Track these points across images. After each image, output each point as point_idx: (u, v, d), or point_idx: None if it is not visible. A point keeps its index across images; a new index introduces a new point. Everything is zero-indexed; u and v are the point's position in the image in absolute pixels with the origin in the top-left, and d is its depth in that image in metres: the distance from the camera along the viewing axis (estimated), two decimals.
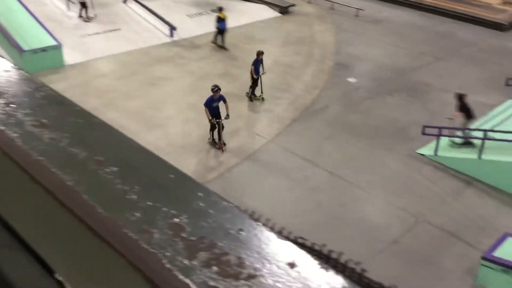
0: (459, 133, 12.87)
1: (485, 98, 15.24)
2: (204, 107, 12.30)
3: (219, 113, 12.36)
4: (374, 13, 22.73)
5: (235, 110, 14.57)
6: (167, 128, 13.61)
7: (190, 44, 18.92)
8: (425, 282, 9.17)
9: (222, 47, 18.51)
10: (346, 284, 0.57)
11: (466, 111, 12.57)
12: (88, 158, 0.79)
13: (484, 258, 9.00)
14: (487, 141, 11.88)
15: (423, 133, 12.81)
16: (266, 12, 22.14)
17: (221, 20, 18.18)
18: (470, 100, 15.50)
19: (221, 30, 18.28)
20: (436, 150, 12.55)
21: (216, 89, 12.23)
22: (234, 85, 15.97)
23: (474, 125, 13.48)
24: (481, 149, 11.87)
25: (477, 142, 12.03)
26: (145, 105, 14.62)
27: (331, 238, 10.14)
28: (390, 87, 16.33)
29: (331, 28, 20.97)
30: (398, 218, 10.77)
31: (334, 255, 8.18)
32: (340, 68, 17.43)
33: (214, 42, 18.58)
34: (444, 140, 12.63)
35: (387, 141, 13.51)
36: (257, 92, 15.01)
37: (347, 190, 11.61)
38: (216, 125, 12.34)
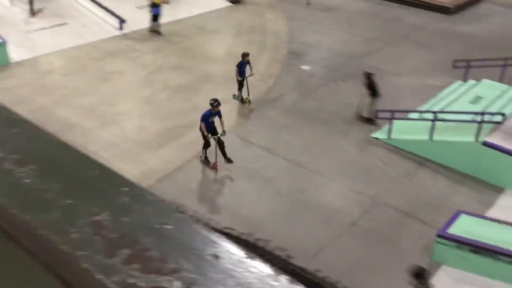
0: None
1: (434, 81, 15.70)
2: (200, 122, 11.22)
3: (215, 128, 11.44)
4: (324, 1, 22.92)
5: (191, 103, 14.44)
6: (122, 124, 13.34)
7: (141, 36, 18.56)
8: (384, 262, 9.40)
9: (157, 32, 18.37)
10: (271, 272, 0.55)
11: (373, 89, 13.46)
12: (3, 158, 0.74)
13: (439, 236, 9.31)
14: (437, 122, 12.23)
15: (376, 117, 13.07)
16: (217, 2, 21.96)
17: (155, 5, 18.13)
18: (420, 83, 15.93)
19: (155, 15, 18.22)
20: (389, 133, 12.84)
21: (216, 103, 11.13)
22: (189, 77, 15.81)
23: (424, 106, 13.88)
24: (432, 131, 12.22)
25: (427, 123, 12.36)
26: (97, 101, 14.27)
27: (292, 225, 10.26)
28: (343, 73, 16.56)
29: (283, 17, 21.02)
30: (356, 201, 10.98)
31: (261, 243, 8.28)
32: (294, 57, 17.52)
33: (151, 29, 18.44)
34: (398, 123, 12.94)
35: (343, 126, 13.72)
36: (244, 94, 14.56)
37: (306, 177, 11.74)
38: (214, 142, 11.29)
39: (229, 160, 11.49)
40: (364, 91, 13.64)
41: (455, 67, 14.96)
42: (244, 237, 8.28)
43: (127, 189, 0.68)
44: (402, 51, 18.16)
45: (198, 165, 11.96)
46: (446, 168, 12.04)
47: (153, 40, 18.32)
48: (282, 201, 10.92)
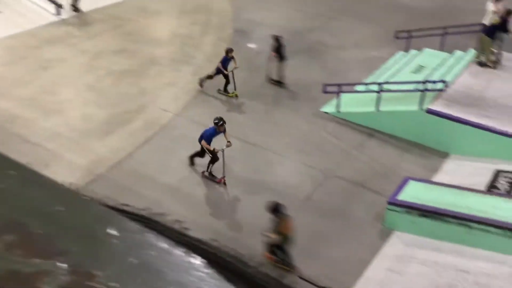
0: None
1: (378, 52, 15.98)
2: (201, 139, 10.32)
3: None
4: None
5: (137, 87, 14.10)
6: (66, 113, 12.89)
7: (81, 21, 17.89)
8: (339, 232, 9.61)
9: (75, 9, 18.08)
10: (165, 245, 0.52)
11: (280, 53, 14.12)
12: None
13: (389, 203, 9.58)
14: (383, 93, 12.48)
15: (324, 91, 13.22)
16: None
17: None
18: (364, 55, 16.16)
19: None
20: (337, 106, 13.02)
21: (221, 122, 10.19)
22: (133, 61, 15.41)
23: (370, 78, 14.14)
24: (378, 102, 12.48)
25: (373, 95, 12.60)
26: (39, 91, 13.70)
27: (248, 204, 10.29)
28: (289, 49, 16.56)
29: None
30: (309, 176, 11.13)
31: (158, 218, 8.34)
32: (240, 35, 17.37)
33: (72, 4, 18.13)
34: (345, 96, 13.14)
35: (293, 102, 13.80)
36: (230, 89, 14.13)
37: (260, 156, 11.77)
38: (220, 156, 10.45)
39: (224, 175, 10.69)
40: (272, 54, 14.17)
41: (397, 38, 15.26)
42: (144, 213, 8.29)
43: (14, 172, 0.62)
44: (346, 25, 18.34)
45: (148, 151, 11.75)
46: (393, 137, 12.36)
47: (92, 25, 17.69)
48: (237, 181, 10.92)
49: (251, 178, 11.01)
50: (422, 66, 14.28)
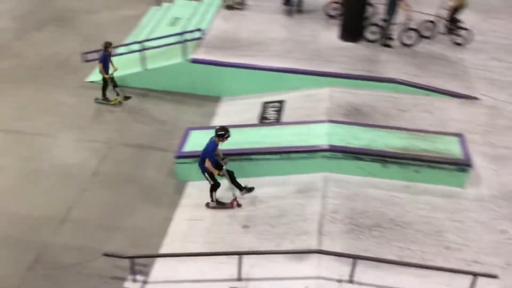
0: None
1: (131, 11, 15.64)
2: (205, 161, 8.53)
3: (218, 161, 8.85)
4: None
5: None
6: None
7: None
8: (136, 198, 9.48)
9: None
10: None
11: None
12: None
13: (177, 157, 9.75)
14: (146, 51, 12.36)
15: (86, 60, 12.51)
16: None
17: None
18: (118, 16, 15.66)
19: None
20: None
21: (227, 134, 8.49)
22: None
23: (129, 39, 13.81)
24: (143, 61, 12.33)
25: (137, 55, 12.39)
26: None
27: (30, 197, 9.39)
28: (36, 21, 15.12)
29: None
30: (92, 150, 10.60)
31: None
32: None
33: None
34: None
35: (54, 78, 12.76)
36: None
37: (30, 143, 10.70)
38: (225, 175, 8.80)
39: (249, 189, 9.20)
40: None
41: None
42: None
43: None
44: None
45: None
46: (168, 93, 12.45)
47: None
48: (11, 176, 9.82)
49: (26, 168, 10.00)
50: (177, 18, 14.48)
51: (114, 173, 10.11)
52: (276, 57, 12.23)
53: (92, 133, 11.07)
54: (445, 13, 13.04)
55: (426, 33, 13.01)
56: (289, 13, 14.20)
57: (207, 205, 9.15)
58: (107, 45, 11.39)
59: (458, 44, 13.01)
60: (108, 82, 11.75)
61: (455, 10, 12.95)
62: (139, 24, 14.82)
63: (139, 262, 7.89)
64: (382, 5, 12.72)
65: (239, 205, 9.04)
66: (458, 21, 13.01)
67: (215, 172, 8.61)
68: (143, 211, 9.22)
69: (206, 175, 8.73)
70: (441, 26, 13.10)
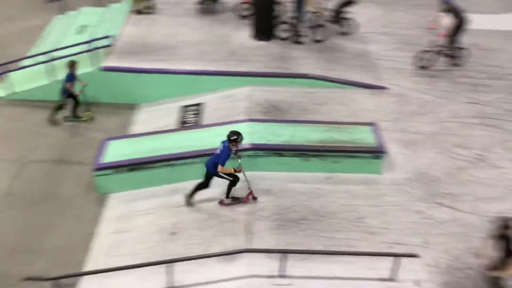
0: None
1: (34, 21, 14.89)
2: (217, 167, 8.27)
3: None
4: None
5: None
6: None
7: None
8: (54, 216, 9.02)
9: None
10: None
11: None
12: None
13: (95, 169, 9.39)
14: (54, 62, 11.79)
15: None
16: None
17: None
18: (21, 27, 14.82)
19: None
20: (9, 88, 11.79)
21: (240, 138, 8.26)
22: None
23: (34, 50, 13.12)
24: (52, 72, 11.76)
25: (45, 66, 11.80)
26: None
27: None
28: None
29: None
30: (1, 171, 9.95)
31: None
32: None
33: None
34: (16, 75, 11.95)
35: None
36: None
37: None
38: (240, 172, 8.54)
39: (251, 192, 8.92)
40: None
41: (50, 2, 14.43)
42: None
43: None
44: None
45: None
46: (81, 103, 11.92)
47: None
48: None
49: None
50: (85, 25, 13.96)
51: (29, 192, 9.57)
52: (191, 60, 12.14)
53: (1, 152, 10.40)
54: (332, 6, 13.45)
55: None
56: (205, 11, 14.14)
57: (221, 202, 8.90)
58: (73, 63, 11.05)
59: (344, 33, 13.54)
60: (79, 100, 11.41)
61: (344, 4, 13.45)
62: (44, 34, 14.12)
63: (64, 282, 7.50)
64: (291, 3, 13.00)
65: (254, 198, 8.86)
66: (342, 12, 13.50)
67: (231, 170, 8.45)
68: (62, 229, 8.80)
69: (222, 174, 8.48)
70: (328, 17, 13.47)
